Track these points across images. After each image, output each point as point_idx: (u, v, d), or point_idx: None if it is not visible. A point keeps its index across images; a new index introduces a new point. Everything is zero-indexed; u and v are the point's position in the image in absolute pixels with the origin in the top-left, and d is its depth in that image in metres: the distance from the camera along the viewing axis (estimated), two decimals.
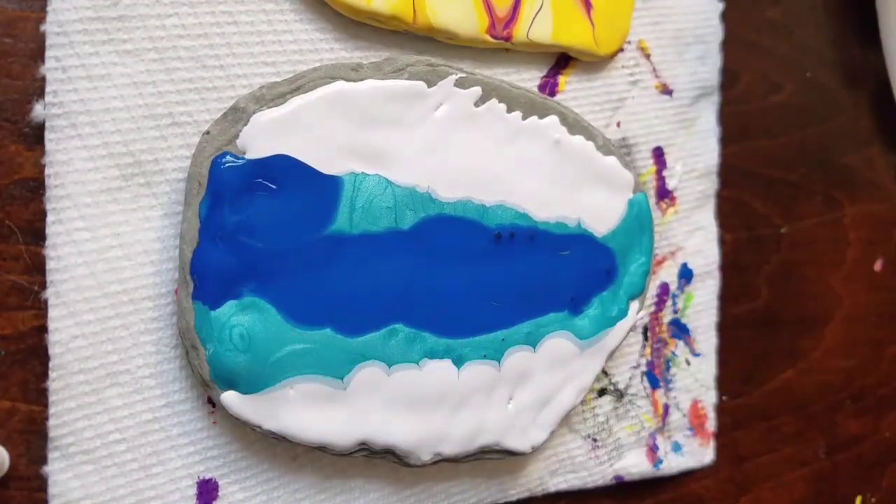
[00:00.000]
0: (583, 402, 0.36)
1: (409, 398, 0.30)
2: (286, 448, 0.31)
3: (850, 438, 0.45)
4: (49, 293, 0.27)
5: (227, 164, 0.28)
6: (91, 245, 0.28)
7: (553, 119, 0.32)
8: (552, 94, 0.35)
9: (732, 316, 0.41)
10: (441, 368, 0.31)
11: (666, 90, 0.38)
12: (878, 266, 0.45)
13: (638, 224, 0.34)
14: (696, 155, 0.39)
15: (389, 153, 0.29)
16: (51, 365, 0.27)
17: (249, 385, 0.28)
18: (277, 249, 0.28)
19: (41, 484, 0.28)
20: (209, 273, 0.27)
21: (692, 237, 0.39)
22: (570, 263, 0.33)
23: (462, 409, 0.31)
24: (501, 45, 0.33)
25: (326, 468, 0.31)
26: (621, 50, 0.36)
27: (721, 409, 0.41)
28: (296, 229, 0.28)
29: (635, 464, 0.37)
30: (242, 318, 0.28)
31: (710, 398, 0.40)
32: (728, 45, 0.40)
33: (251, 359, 0.28)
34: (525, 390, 0.32)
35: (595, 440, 0.37)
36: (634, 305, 0.35)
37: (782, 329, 0.43)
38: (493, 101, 0.31)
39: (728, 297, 0.41)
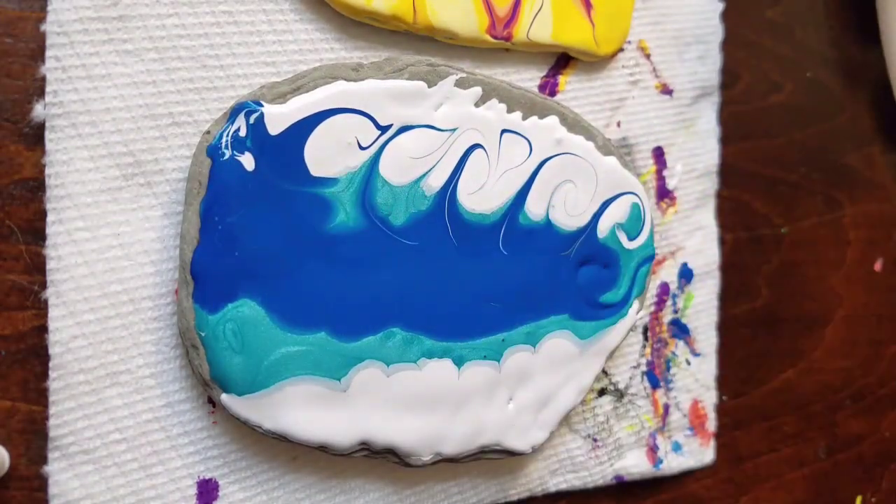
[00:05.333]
0: (583, 402, 0.36)
1: (409, 398, 0.30)
2: (286, 448, 0.31)
3: (850, 438, 0.45)
4: (49, 293, 0.27)
5: (228, 164, 0.28)
6: (91, 245, 0.28)
7: (553, 119, 0.32)
8: (552, 94, 0.35)
9: (732, 316, 0.41)
10: (441, 369, 0.30)
11: (666, 90, 0.38)
12: (878, 266, 0.45)
13: (638, 224, 0.34)
14: (696, 155, 0.39)
15: (388, 152, 0.29)
16: (51, 365, 0.27)
17: (246, 386, 0.28)
18: (274, 250, 0.28)
19: (41, 484, 0.28)
20: (209, 273, 0.27)
21: (692, 237, 0.39)
22: (570, 264, 0.33)
23: (462, 409, 0.31)
24: (501, 45, 0.33)
25: (326, 468, 0.31)
26: (621, 50, 0.36)
27: (721, 409, 0.41)
28: (293, 230, 0.28)
29: (635, 464, 0.37)
30: (236, 315, 0.28)
31: (710, 398, 0.40)
32: (728, 45, 0.40)
33: (246, 360, 0.28)
34: (525, 390, 0.32)
35: (595, 440, 0.37)
36: (634, 305, 0.35)
37: (782, 329, 0.43)
38: (494, 101, 0.31)
39: (728, 297, 0.41)
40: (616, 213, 0.34)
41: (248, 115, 0.28)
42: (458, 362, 0.31)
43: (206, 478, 0.30)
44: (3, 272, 0.27)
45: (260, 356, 0.28)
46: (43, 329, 0.28)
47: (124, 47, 0.28)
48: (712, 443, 0.40)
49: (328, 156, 0.29)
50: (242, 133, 0.28)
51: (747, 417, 0.42)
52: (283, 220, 0.28)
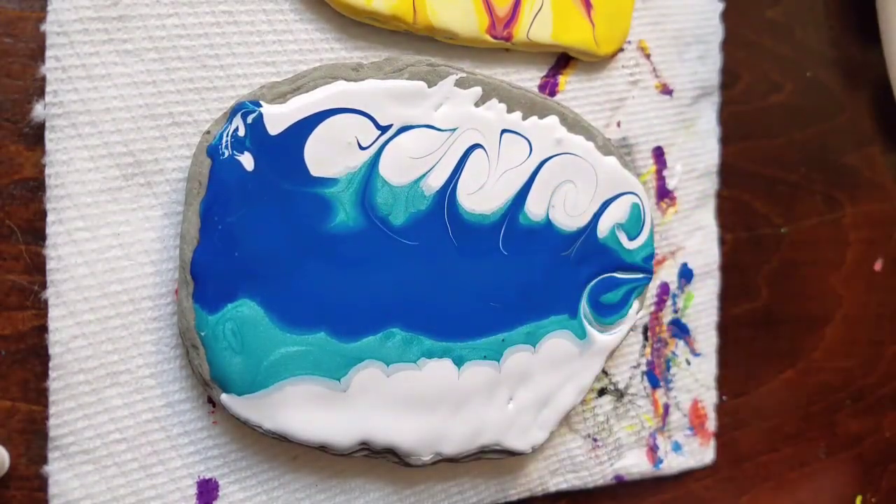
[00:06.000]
0: (583, 402, 0.36)
1: (409, 398, 0.30)
2: (286, 448, 0.31)
3: (850, 438, 0.45)
4: (49, 293, 0.27)
5: (227, 164, 0.28)
6: (91, 245, 0.28)
7: (553, 119, 0.32)
8: (552, 94, 0.35)
9: (732, 316, 0.41)
10: (441, 369, 0.30)
11: (666, 90, 0.38)
12: (878, 266, 0.45)
13: (638, 224, 0.34)
14: (696, 155, 0.39)
15: (388, 152, 0.29)
16: (51, 365, 0.27)
17: (246, 386, 0.28)
18: (274, 250, 0.28)
19: (41, 484, 0.28)
20: (209, 273, 0.27)
21: (692, 237, 0.39)
22: (570, 264, 0.33)
23: (462, 409, 0.31)
24: (501, 45, 0.33)
25: (326, 468, 0.31)
26: (621, 50, 0.36)
27: (721, 409, 0.41)
28: (293, 230, 0.28)
29: (635, 463, 0.37)
30: (235, 315, 0.28)
31: (710, 398, 0.40)
32: (728, 45, 0.40)
33: (246, 360, 0.28)
34: (525, 390, 0.32)
35: (595, 440, 0.37)
36: (635, 305, 0.35)
37: (782, 329, 0.43)
38: (494, 101, 0.31)
39: (728, 297, 0.41)
40: (616, 214, 0.34)
41: (244, 116, 0.28)
42: (458, 362, 0.31)
43: (206, 478, 0.30)
44: (3, 272, 0.27)
45: (259, 356, 0.28)
46: (43, 329, 0.28)
47: (124, 47, 0.28)
48: (712, 443, 0.40)
49: (328, 156, 0.29)
50: (241, 133, 0.28)
51: (747, 417, 0.42)
52: (283, 220, 0.28)
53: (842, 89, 0.44)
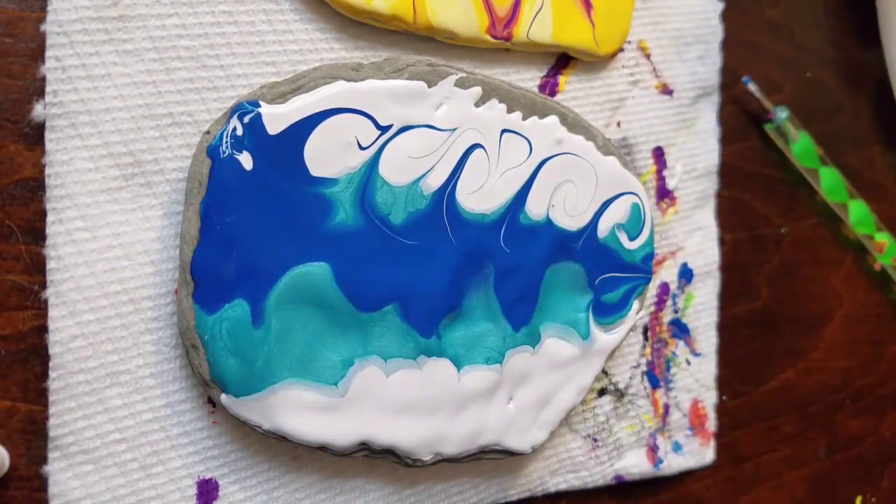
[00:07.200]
0: (583, 402, 0.36)
1: (409, 399, 0.30)
2: (286, 448, 0.31)
3: (850, 438, 0.45)
4: (49, 293, 0.27)
5: (227, 164, 0.28)
6: (91, 245, 0.28)
7: (553, 119, 0.32)
8: (552, 94, 0.35)
9: (732, 316, 0.41)
10: (441, 369, 0.30)
11: (666, 90, 0.38)
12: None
13: (638, 224, 0.34)
14: (696, 155, 0.39)
15: (388, 152, 0.29)
16: (51, 365, 0.27)
17: (242, 388, 0.28)
18: (274, 250, 0.28)
19: (41, 484, 0.28)
20: (209, 273, 0.27)
21: (692, 237, 0.39)
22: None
23: (462, 409, 0.31)
24: (501, 45, 0.33)
25: (327, 468, 0.31)
26: (621, 50, 0.36)
27: (721, 409, 0.41)
28: (293, 230, 0.28)
29: (635, 463, 0.37)
30: (231, 315, 0.28)
31: (710, 398, 0.40)
32: (728, 45, 0.39)
33: (240, 361, 0.28)
34: (525, 390, 0.32)
35: (595, 440, 0.37)
36: (635, 305, 0.35)
37: (782, 329, 0.43)
38: (494, 101, 0.31)
39: (728, 297, 0.41)
40: (616, 214, 0.34)
41: (241, 116, 0.28)
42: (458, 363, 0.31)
43: (206, 478, 0.30)
44: (3, 272, 0.27)
45: (252, 357, 0.28)
46: (43, 329, 0.28)
47: (124, 47, 0.28)
48: (712, 443, 0.40)
49: (328, 156, 0.29)
50: (240, 133, 0.28)
51: (747, 417, 0.42)
52: (283, 220, 0.28)
53: (842, 89, 0.44)
